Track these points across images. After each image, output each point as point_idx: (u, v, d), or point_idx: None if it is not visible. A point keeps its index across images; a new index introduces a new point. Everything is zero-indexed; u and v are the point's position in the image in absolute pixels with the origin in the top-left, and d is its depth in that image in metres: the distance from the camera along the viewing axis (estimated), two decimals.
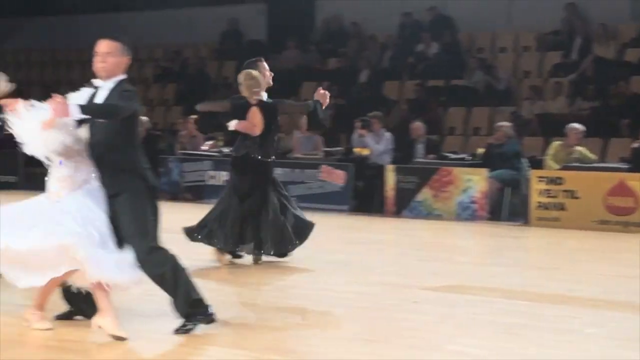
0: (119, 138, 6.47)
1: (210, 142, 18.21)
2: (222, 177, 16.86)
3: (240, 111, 9.90)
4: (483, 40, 20.68)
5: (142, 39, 24.11)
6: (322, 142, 17.77)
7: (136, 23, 24.24)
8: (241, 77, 9.93)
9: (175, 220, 14.34)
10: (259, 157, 9.94)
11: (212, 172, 17.38)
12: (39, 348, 6.27)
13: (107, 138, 6.45)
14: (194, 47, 24.20)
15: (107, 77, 6.60)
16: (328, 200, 16.40)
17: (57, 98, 6.25)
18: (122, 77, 6.63)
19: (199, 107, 10.66)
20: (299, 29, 22.81)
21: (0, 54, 28.17)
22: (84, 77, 28.26)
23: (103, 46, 6.64)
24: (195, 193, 17.58)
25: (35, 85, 26.05)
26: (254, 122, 9.85)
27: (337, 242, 12.57)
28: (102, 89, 6.59)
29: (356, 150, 17.02)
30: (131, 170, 6.49)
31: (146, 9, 24.97)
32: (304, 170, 16.78)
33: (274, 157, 10.27)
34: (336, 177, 16.51)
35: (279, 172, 17.01)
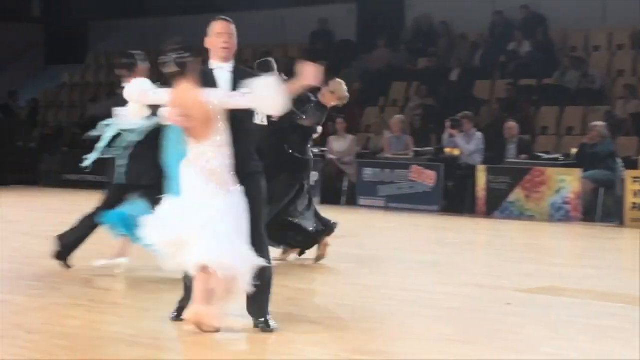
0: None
1: None
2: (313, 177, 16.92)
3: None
4: (576, 38, 20.37)
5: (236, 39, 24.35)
6: (413, 142, 17.70)
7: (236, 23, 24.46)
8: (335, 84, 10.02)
9: None
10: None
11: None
12: (131, 345, 6.33)
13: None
14: (284, 47, 24.30)
15: (228, 58, 6.51)
16: (418, 201, 16.33)
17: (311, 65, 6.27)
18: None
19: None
20: (388, 28, 22.75)
21: (94, 56, 28.72)
22: None
23: (226, 27, 6.55)
24: None
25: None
26: None
27: (427, 242, 12.51)
28: (222, 71, 6.50)
29: (447, 150, 16.90)
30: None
31: (237, 10, 25.13)
32: (394, 171, 16.74)
33: None
34: (426, 178, 16.43)
35: (369, 172, 17.16)
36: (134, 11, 28.33)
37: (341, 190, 17.68)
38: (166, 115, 6.50)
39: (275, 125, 8.95)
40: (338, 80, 10.01)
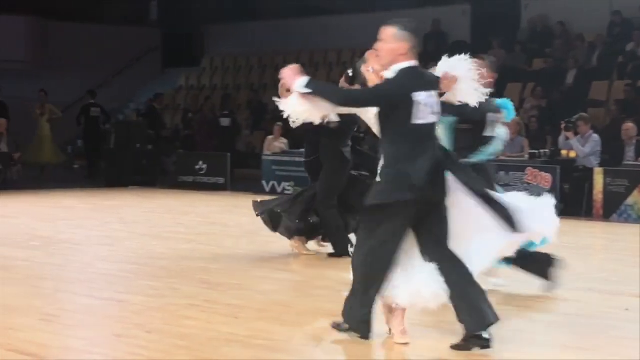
0: None
1: None
2: None
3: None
4: None
5: (347, 42, 24.42)
6: (528, 144, 17.47)
7: (341, 27, 24.57)
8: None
9: None
10: None
11: None
12: (245, 346, 6.41)
13: None
14: None
15: (386, 65, 6.28)
16: None
17: (291, 66, 6.18)
18: (404, 64, 6.20)
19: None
20: (503, 29, 22.54)
21: (210, 59, 29.16)
22: None
23: (380, 33, 6.33)
24: None
25: (243, 89, 26.81)
26: None
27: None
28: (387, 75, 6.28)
29: (563, 152, 16.63)
30: None
31: (351, 12, 25.26)
32: (508, 173, 16.56)
33: None
34: (542, 180, 16.20)
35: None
36: (248, 14, 28.68)
37: None
38: None
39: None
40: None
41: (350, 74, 6.33)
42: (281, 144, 20.15)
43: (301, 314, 7.52)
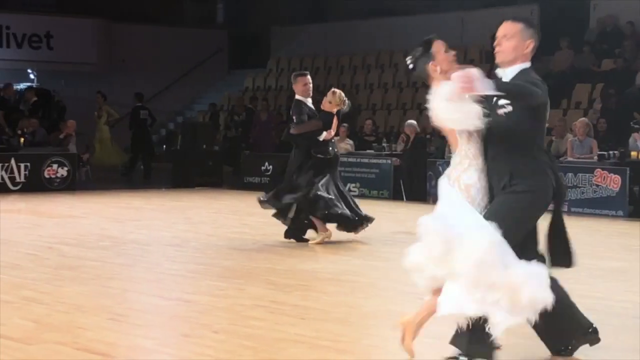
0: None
1: None
2: None
3: (329, 122, 12.05)
4: None
5: (412, 42, 24.34)
6: (596, 145, 17.27)
7: (407, 28, 24.49)
8: (335, 94, 12.14)
9: None
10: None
11: None
12: (312, 347, 6.42)
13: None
14: (464, 49, 24.14)
15: (505, 63, 5.80)
16: (603, 206, 15.93)
17: (466, 69, 5.49)
18: (525, 65, 5.80)
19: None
20: (572, 29, 22.29)
21: (276, 60, 29.26)
22: (353, 82, 29.14)
23: (501, 28, 5.89)
24: None
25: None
26: (335, 129, 12.17)
27: (611, 248, 12.18)
28: (504, 75, 5.77)
29: (632, 153, 16.41)
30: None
31: (418, 13, 25.19)
32: (577, 174, 16.38)
33: None
34: (611, 182, 16.00)
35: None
36: (314, 16, 28.75)
37: None
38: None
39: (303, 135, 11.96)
40: (334, 90, 12.31)
41: (411, 66, 6.08)
42: (347, 145, 20.17)
43: (367, 315, 7.52)
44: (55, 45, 27.80)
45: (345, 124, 20.55)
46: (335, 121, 12.12)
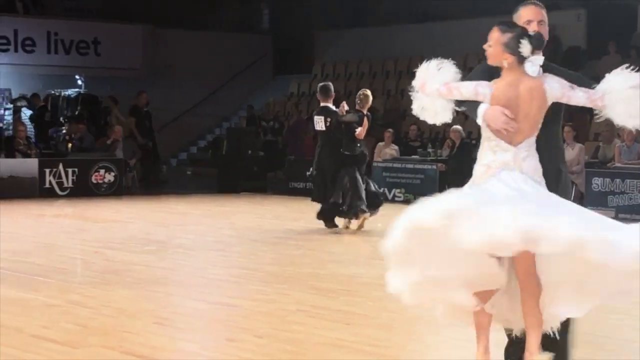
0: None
1: None
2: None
3: (361, 121, 13.83)
4: None
5: (456, 49, 24.27)
6: None
7: (450, 33, 24.45)
8: (362, 94, 14.25)
9: None
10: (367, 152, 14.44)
11: None
12: (352, 352, 6.45)
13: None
14: None
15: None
16: None
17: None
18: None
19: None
20: (619, 33, 22.12)
21: (321, 65, 29.33)
22: (398, 87, 28.94)
23: (536, 13, 5.48)
24: None
25: (354, 96, 26.85)
26: (365, 129, 13.91)
27: None
28: (530, 65, 5.33)
29: None
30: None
31: (459, 18, 25.12)
32: (625, 180, 16.25)
33: None
34: None
35: (598, 182, 16.71)
36: (358, 20, 28.76)
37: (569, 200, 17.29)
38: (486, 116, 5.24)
39: (330, 134, 13.85)
40: (364, 91, 14.38)
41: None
42: (392, 150, 20.17)
43: (411, 321, 7.52)
44: (102, 51, 28.08)
45: (390, 129, 20.56)
46: (365, 122, 13.89)
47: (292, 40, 30.53)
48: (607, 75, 5.21)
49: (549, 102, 5.20)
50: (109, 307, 7.88)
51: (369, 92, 14.35)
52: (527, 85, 5.18)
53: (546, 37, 5.42)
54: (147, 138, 22.50)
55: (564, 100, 5.20)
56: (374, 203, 14.07)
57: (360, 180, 13.89)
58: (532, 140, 5.20)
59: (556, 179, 5.35)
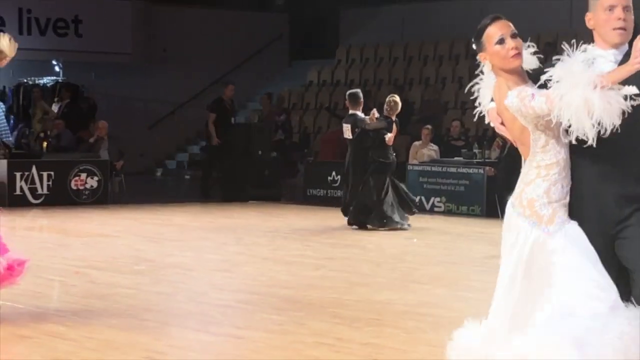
0: None
1: None
2: None
3: (390, 127, 16.03)
4: None
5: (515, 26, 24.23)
6: None
7: (503, 10, 24.34)
8: (391, 101, 16.41)
9: None
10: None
11: None
12: None
13: None
14: (573, 36, 23.98)
15: (621, 43, 5.24)
16: None
17: None
18: None
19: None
20: None
21: (346, 49, 29.30)
22: (439, 75, 28.86)
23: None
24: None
25: (384, 85, 26.90)
26: (395, 136, 16.25)
27: None
28: (605, 61, 5.24)
29: None
30: None
31: None
32: None
33: None
34: None
35: None
36: None
37: None
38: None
39: (357, 142, 16.23)
40: (393, 97, 16.52)
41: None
42: (430, 151, 20.17)
43: None
44: (85, 32, 28.14)
45: (428, 126, 20.55)
46: (395, 129, 16.16)
47: (313, 19, 30.52)
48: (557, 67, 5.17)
49: (522, 120, 5.29)
50: (93, 339, 7.89)
51: (398, 99, 16.55)
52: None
53: (631, 27, 5.23)
54: (223, 139, 22.20)
55: (531, 114, 5.18)
56: (403, 213, 16.31)
57: (396, 187, 16.20)
58: (534, 162, 5.29)
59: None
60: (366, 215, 16.11)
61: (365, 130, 16.13)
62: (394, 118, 16.24)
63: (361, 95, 16.78)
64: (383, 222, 15.94)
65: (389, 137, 15.99)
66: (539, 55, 5.53)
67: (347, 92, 17.15)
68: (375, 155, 16.02)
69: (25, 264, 8.61)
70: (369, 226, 16.08)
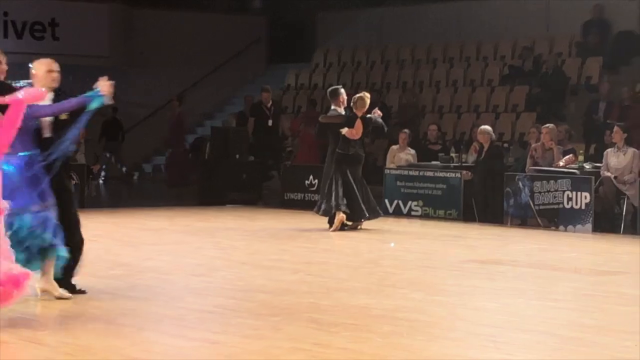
0: None
1: (569, 157, 18.05)
2: (582, 198, 16.75)
3: (351, 121, 16.39)
4: None
5: (487, 32, 24.30)
6: None
7: (480, 14, 24.47)
8: (356, 97, 16.61)
9: (526, 251, 14.36)
10: (363, 154, 16.85)
11: (569, 193, 17.20)
12: None
13: None
14: (550, 40, 24.08)
15: None
16: None
17: None
18: None
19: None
20: None
21: (323, 53, 29.30)
22: (416, 79, 28.88)
23: None
24: (548, 217, 17.46)
25: (362, 89, 26.85)
26: (358, 131, 16.36)
27: None
28: None
29: None
30: None
31: None
32: None
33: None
34: None
35: None
36: (369, 0, 28.66)
37: (620, 215, 17.34)
38: None
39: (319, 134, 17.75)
40: (361, 94, 16.67)
41: None
42: (408, 155, 20.19)
43: None
44: (62, 35, 28.05)
45: (405, 130, 20.56)
46: (358, 123, 16.33)
47: (291, 22, 30.52)
48: None
49: None
50: (69, 344, 7.87)
51: (365, 96, 16.64)
52: None
53: None
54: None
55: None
56: (360, 213, 16.52)
57: (351, 184, 16.32)
58: None
59: None
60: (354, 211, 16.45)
61: (322, 123, 17.00)
62: (359, 114, 16.45)
63: (341, 91, 17.06)
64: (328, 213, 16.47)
65: (345, 130, 16.31)
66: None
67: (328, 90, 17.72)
68: (338, 148, 16.45)
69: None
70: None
